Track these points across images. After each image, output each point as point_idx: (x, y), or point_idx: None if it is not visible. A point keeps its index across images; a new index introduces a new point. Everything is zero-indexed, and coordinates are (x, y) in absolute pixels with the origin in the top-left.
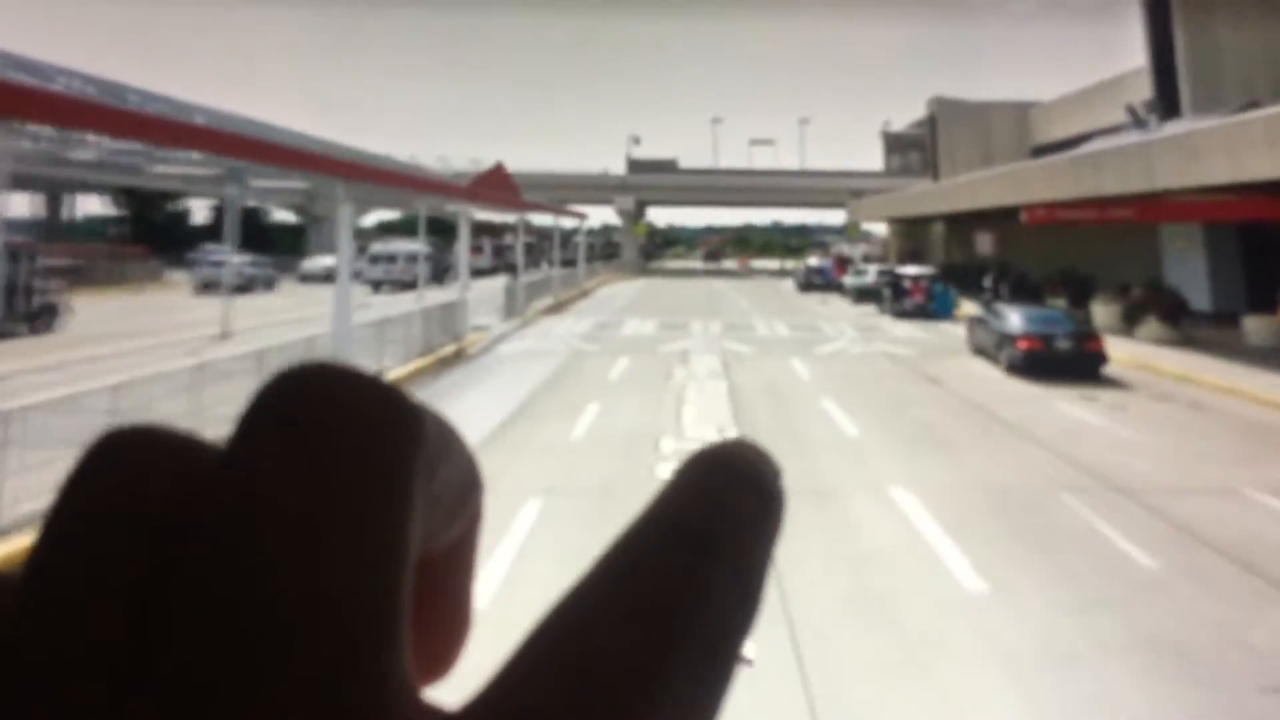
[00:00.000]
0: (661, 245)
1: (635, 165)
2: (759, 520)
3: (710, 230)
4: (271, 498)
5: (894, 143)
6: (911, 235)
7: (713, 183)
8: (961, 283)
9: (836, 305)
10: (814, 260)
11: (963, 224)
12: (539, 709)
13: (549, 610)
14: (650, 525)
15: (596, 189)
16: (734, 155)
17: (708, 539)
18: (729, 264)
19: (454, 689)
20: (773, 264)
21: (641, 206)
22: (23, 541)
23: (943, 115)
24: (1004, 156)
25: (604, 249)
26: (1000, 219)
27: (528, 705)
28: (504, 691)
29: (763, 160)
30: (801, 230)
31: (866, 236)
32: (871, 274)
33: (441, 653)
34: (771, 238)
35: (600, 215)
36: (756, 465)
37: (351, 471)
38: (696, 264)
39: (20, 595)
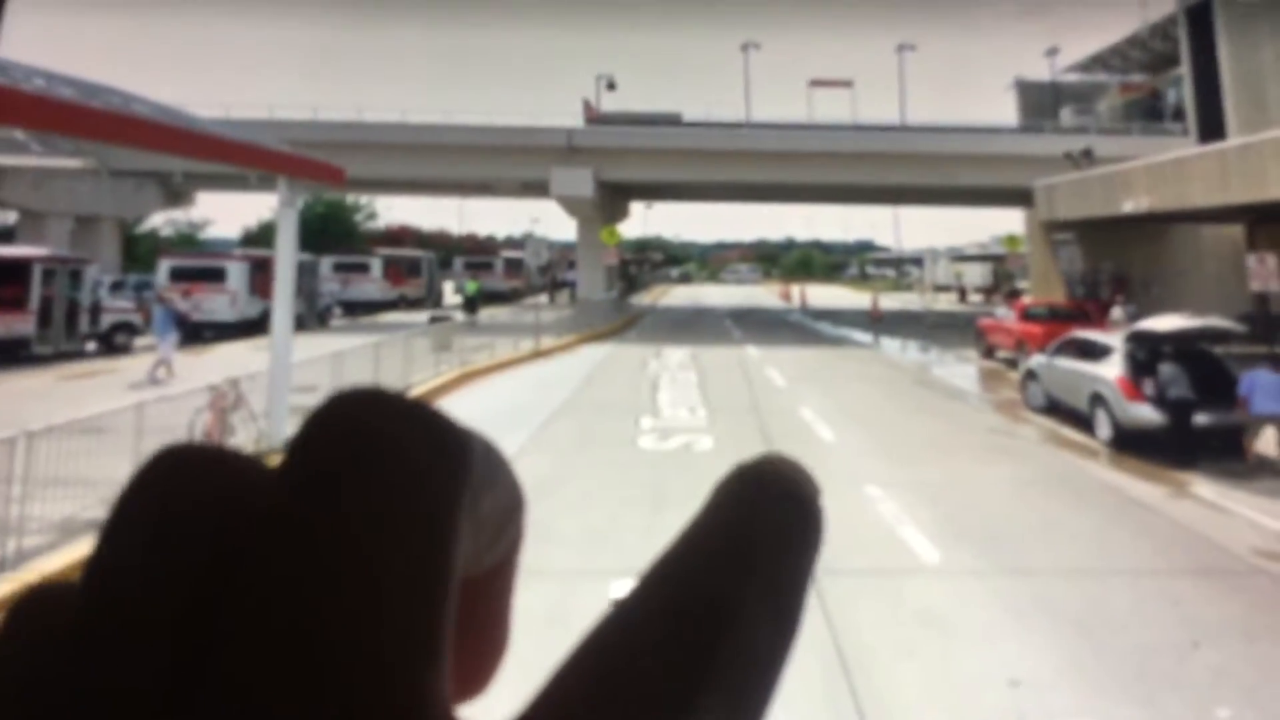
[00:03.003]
0: (662, 264)
1: (602, 121)
2: (797, 538)
3: (721, 246)
4: (321, 521)
5: (1040, 97)
6: (1106, 248)
7: (748, 144)
8: None
9: None
10: None
11: None
12: None
13: (588, 632)
14: (688, 545)
15: (515, 156)
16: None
17: (746, 559)
18: (752, 288)
19: (488, 708)
20: (835, 292)
21: (615, 197)
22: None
23: (1229, 15)
24: None
25: (541, 271)
26: None
27: None
28: (541, 714)
29: (831, 113)
30: (828, 248)
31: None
32: None
33: (478, 672)
34: (809, 254)
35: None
36: (795, 481)
37: (400, 497)
38: (713, 293)
39: (75, 605)
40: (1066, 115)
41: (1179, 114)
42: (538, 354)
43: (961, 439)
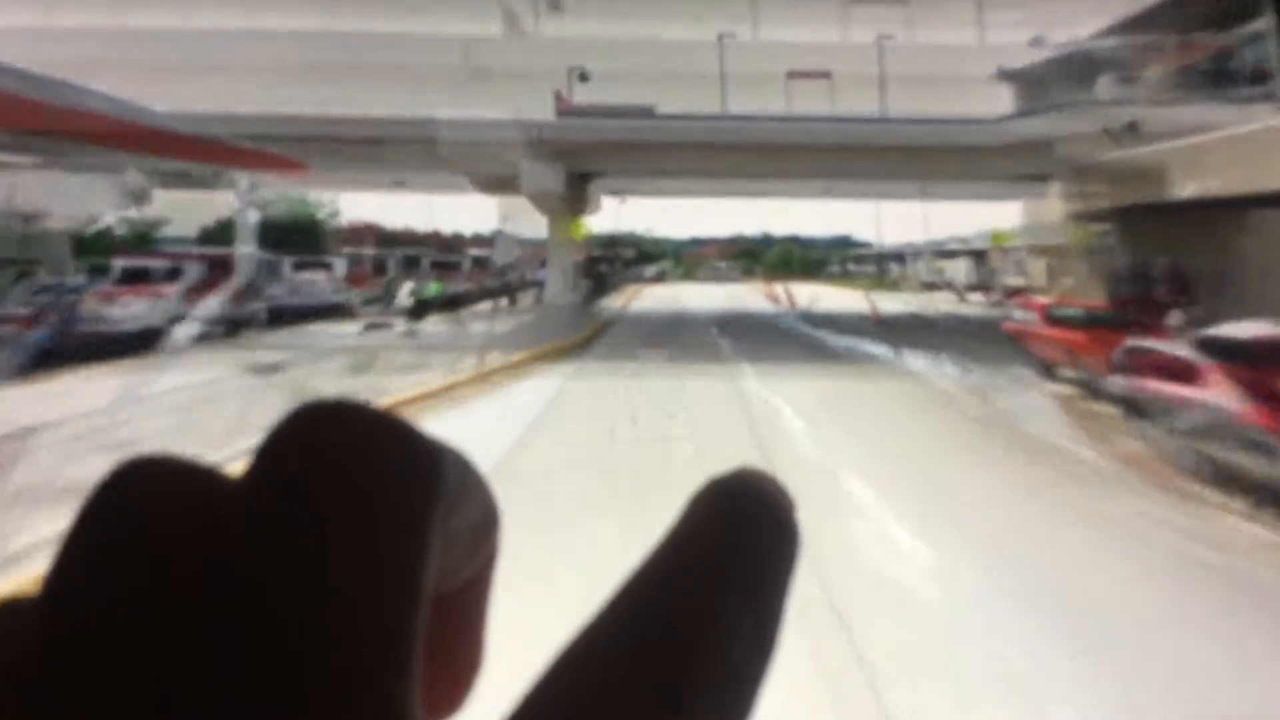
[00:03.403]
0: (635, 262)
1: (574, 114)
2: (775, 551)
3: (696, 242)
4: (288, 534)
5: (1033, 80)
6: (1157, 241)
7: (724, 136)
8: None
9: None
10: None
11: None
12: None
13: (564, 647)
14: (665, 558)
15: (484, 150)
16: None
17: (724, 571)
18: (734, 287)
19: None
20: (819, 290)
21: (588, 191)
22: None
23: None
24: None
25: (498, 273)
26: None
27: None
28: None
29: (811, 106)
30: (805, 244)
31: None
32: None
33: (452, 691)
34: (790, 250)
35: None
36: (770, 495)
37: (369, 509)
38: (692, 294)
39: (33, 622)
40: (1105, 85)
41: (1258, 77)
42: (483, 376)
43: (1153, 564)
